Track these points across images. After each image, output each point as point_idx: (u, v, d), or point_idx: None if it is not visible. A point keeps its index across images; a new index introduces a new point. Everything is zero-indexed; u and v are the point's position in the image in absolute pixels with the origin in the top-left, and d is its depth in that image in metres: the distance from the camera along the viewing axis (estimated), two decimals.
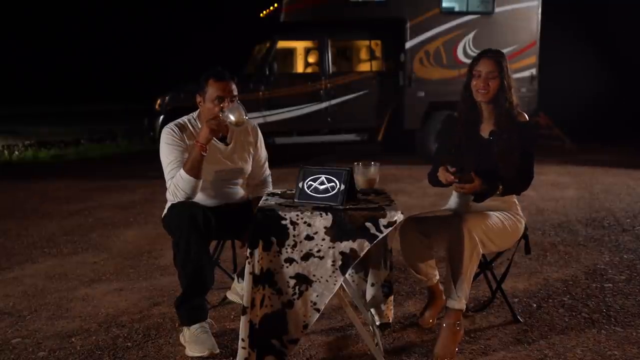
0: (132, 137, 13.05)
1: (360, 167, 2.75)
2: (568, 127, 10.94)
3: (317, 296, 2.39)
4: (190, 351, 2.71)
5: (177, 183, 2.73)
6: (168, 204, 2.92)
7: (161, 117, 8.45)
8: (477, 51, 3.47)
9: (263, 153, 3.19)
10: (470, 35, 9.46)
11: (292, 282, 2.39)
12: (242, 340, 2.39)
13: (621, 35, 15.61)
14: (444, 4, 9.49)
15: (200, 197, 2.92)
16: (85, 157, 11.15)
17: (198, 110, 2.96)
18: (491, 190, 2.74)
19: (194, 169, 2.72)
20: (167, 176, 2.83)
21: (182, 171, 2.72)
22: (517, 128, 2.75)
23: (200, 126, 2.88)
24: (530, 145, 2.77)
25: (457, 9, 9.61)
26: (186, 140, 2.85)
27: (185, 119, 2.96)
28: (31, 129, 15.26)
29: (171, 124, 2.91)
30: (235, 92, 2.87)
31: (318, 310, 2.40)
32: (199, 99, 2.90)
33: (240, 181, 3.10)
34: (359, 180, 2.74)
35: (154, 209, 5.94)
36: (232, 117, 2.69)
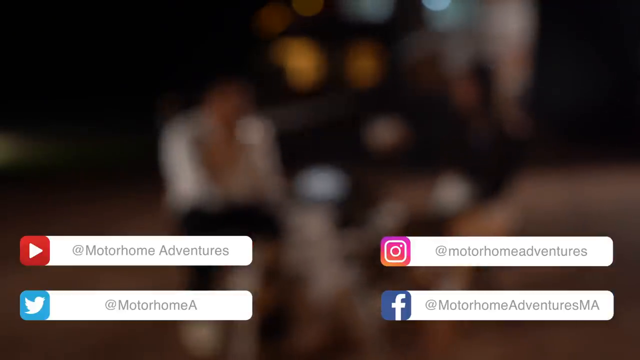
0: (136, 136, 13.05)
1: (380, 124, 2.64)
2: (564, 128, 10.96)
3: (317, 291, 2.47)
4: (194, 345, 2.78)
5: (191, 182, 2.78)
6: (173, 200, 2.99)
7: (165, 116, 8.49)
8: (469, 64, 3.52)
9: (272, 156, 3.24)
10: (462, 48, 9.58)
11: (293, 277, 2.47)
12: (244, 335, 2.45)
13: (621, 35, 15.63)
14: (435, 19, 9.64)
15: (205, 197, 2.95)
16: (89, 156, 11.17)
17: (205, 109, 3.01)
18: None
19: (209, 173, 2.81)
20: (178, 174, 2.87)
21: (197, 171, 2.79)
22: (505, 140, 2.80)
23: (208, 124, 2.96)
24: (519, 150, 2.82)
25: (447, 23, 9.74)
26: (194, 138, 2.91)
27: (192, 116, 3.01)
28: (34, 128, 15.29)
29: (178, 122, 2.97)
30: (247, 99, 2.95)
31: (319, 304, 2.48)
32: (209, 99, 2.95)
33: (248, 182, 3.12)
34: (380, 140, 2.66)
35: (157, 208, 5.95)
36: (251, 127, 2.74)
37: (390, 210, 2.48)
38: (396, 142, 2.74)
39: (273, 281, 2.46)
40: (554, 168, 8.38)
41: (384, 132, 2.69)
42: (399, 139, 2.75)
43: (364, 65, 9.70)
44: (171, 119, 8.09)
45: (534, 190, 6.61)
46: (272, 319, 2.53)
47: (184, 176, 2.86)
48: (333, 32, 9.27)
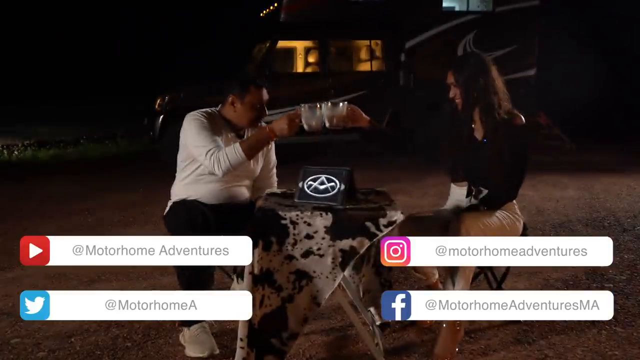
0: (132, 137, 13.05)
1: (329, 104, 2.72)
2: (568, 127, 10.93)
3: (317, 291, 2.42)
4: (190, 351, 2.73)
5: (228, 156, 2.75)
6: (170, 202, 2.96)
7: (161, 117, 8.42)
8: (477, 51, 3.45)
9: (273, 157, 3.22)
10: (471, 35, 9.45)
11: (292, 277, 2.42)
12: (241, 340, 2.40)
13: (621, 35, 15.63)
14: (444, 4, 9.50)
15: (205, 195, 2.94)
16: (85, 157, 11.13)
17: (220, 107, 3.00)
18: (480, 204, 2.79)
19: (253, 150, 2.79)
20: (201, 152, 2.81)
21: (239, 147, 2.75)
22: (507, 131, 2.73)
23: (223, 123, 2.95)
24: (522, 149, 2.75)
25: (457, 8, 9.62)
26: (211, 133, 2.86)
27: (209, 110, 2.98)
28: (30, 129, 15.24)
29: (198, 112, 2.94)
30: (268, 98, 2.97)
31: (318, 304, 2.43)
32: (231, 99, 2.94)
33: (247, 182, 3.11)
34: (327, 116, 2.71)
35: (154, 208, 5.93)
36: (312, 122, 2.70)
37: (390, 209, 2.45)
38: (320, 125, 2.74)
39: (270, 282, 2.42)
40: (557, 168, 8.34)
41: (331, 112, 2.73)
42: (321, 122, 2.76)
43: (366, 57, 9.53)
44: (165, 120, 8.06)
45: (535, 190, 6.59)
46: (271, 320, 2.48)
47: (229, 148, 2.80)
48: (334, 24, 9.05)
